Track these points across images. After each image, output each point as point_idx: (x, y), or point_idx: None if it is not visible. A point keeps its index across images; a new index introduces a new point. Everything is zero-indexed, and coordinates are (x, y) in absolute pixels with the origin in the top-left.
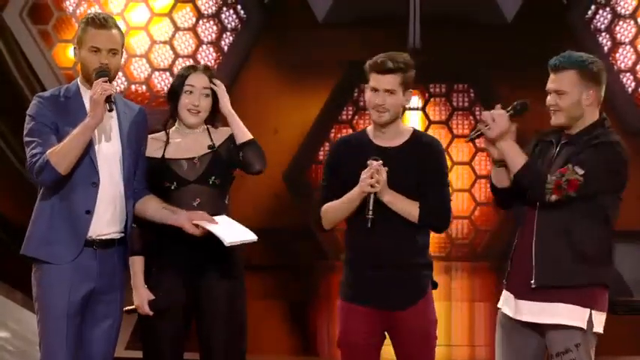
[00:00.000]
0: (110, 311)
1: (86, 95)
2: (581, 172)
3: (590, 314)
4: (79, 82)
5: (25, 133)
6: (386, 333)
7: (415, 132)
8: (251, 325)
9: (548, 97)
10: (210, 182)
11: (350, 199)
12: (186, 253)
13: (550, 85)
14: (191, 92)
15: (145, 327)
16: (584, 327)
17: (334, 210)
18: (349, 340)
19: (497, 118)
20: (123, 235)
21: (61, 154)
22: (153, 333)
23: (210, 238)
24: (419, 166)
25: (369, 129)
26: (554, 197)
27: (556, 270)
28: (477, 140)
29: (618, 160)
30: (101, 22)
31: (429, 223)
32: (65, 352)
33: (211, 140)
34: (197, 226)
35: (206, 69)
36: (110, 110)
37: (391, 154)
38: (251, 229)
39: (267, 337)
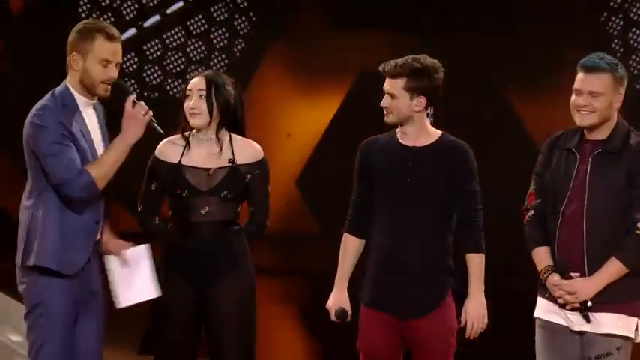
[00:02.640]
0: (92, 315)
1: (80, 100)
2: None
3: (637, 324)
4: (71, 88)
5: (44, 143)
6: None
7: (444, 135)
8: (260, 331)
9: (578, 98)
10: (222, 196)
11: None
12: (195, 258)
13: (583, 85)
14: (188, 96)
15: (156, 332)
16: (632, 336)
17: (341, 257)
18: (368, 346)
19: None
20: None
21: (102, 174)
22: (164, 338)
23: (218, 246)
24: (448, 164)
25: (398, 130)
26: None
27: (612, 289)
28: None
29: None
30: (114, 35)
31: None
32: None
33: (233, 154)
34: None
35: (209, 72)
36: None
37: (416, 152)
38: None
39: (277, 344)
